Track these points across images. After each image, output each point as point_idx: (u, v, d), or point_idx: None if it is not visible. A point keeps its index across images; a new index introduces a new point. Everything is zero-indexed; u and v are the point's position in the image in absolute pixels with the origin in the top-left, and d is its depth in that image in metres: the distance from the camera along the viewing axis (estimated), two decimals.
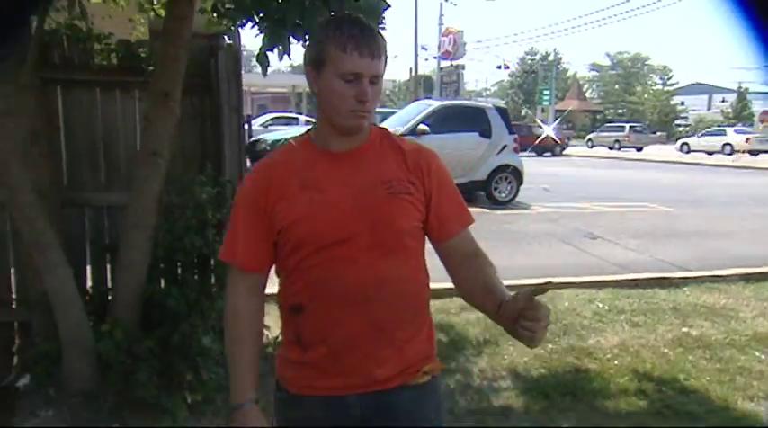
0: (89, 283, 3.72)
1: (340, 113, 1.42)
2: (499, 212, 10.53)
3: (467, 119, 11.21)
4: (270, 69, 2.96)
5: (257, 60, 2.71)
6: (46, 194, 3.28)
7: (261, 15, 2.63)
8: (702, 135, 35.83)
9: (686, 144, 35.49)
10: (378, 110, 17.03)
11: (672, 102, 58.63)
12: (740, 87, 49.65)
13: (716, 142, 33.25)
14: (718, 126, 39.45)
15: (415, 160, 1.50)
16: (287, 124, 20.44)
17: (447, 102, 13.18)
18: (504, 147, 11.23)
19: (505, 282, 1.47)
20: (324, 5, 2.49)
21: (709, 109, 59.72)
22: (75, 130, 3.70)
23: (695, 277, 6.22)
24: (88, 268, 3.75)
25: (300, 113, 27.00)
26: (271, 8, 2.56)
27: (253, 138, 14.13)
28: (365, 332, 1.45)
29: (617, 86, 64.25)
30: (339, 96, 1.41)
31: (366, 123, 1.47)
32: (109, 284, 3.68)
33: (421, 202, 1.48)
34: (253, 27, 2.75)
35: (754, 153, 30.02)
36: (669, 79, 64.02)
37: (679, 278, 6.18)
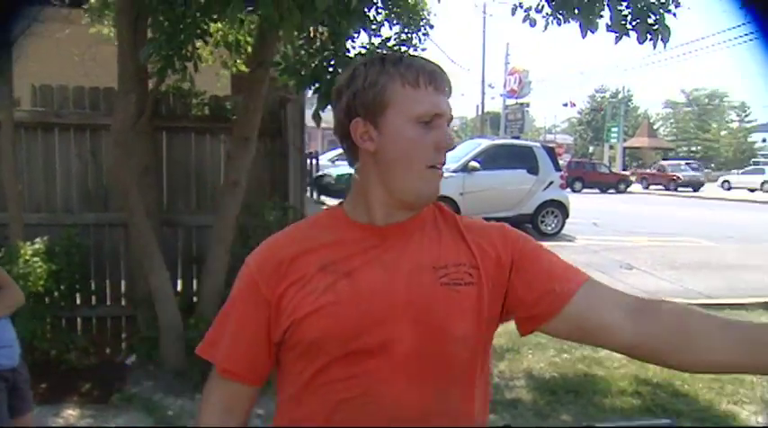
0: (179, 288, 4.67)
1: (413, 172, 1.06)
2: (544, 243, 11.03)
3: (515, 156, 11.95)
4: None
5: (312, 117, 3.59)
6: (152, 215, 4.26)
7: (316, 85, 3.53)
8: (743, 173, 35.33)
9: (727, 181, 34.91)
10: None
11: (750, 140, 57.07)
12: None
13: (756, 180, 33.05)
14: (755, 163, 38.44)
15: (478, 235, 1.13)
16: None
17: (497, 140, 13.94)
18: (551, 183, 11.89)
19: None
20: None
21: None
22: (174, 166, 4.71)
23: (718, 303, 6.68)
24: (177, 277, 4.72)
25: None
26: (323, 81, 3.46)
27: (320, 173, 15.19)
28: None
29: (692, 124, 63.02)
30: (414, 146, 1.05)
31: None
32: (194, 289, 4.64)
33: (489, 295, 1.08)
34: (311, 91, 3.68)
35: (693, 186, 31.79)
36: (747, 116, 62.34)
37: (702, 303, 6.65)
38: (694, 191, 31.96)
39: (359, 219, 1.12)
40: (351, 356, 1.03)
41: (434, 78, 1.07)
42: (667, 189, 32.68)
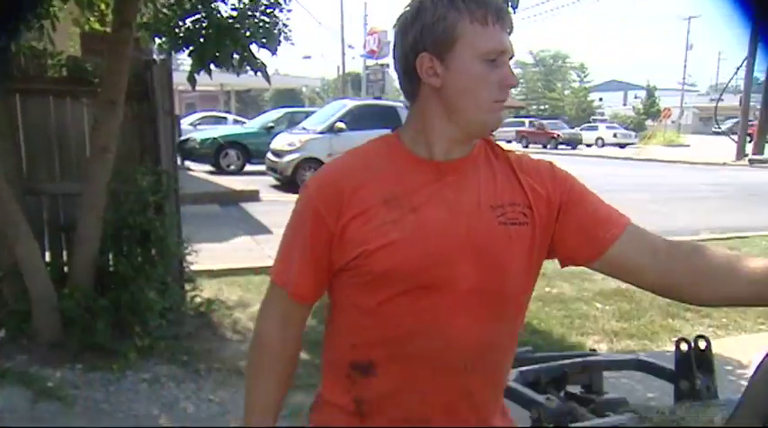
0: (47, 258, 4.49)
1: (480, 106, 1.09)
2: None
3: (380, 116, 12.23)
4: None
5: (187, 79, 3.58)
6: (13, 183, 4.04)
7: (189, 49, 3.52)
8: (581, 129, 38.48)
9: (601, 138, 37.79)
10: (301, 109, 17.72)
11: (589, 99, 61.56)
12: (648, 85, 52.85)
13: (590, 136, 36.23)
14: (590, 121, 42.14)
15: (530, 174, 1.17)
16: (216, 123, 20.92)
17: (362, 101, 14.22)
18: None
19: None
20: (233, 43, 3.39)
21: (624, 104, 62.98)
22: (32, 131, 4.46)
23: None
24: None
25: (229, 112, 27.45)
26: (195, 44, 3.45)
27: (183, 137, 14.71)
28: (454, 407, 1.15)
29: (539, 83, 66.82)
30: (481, 82, 1.08)
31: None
32: (64, 259, 4.48)
33: (541, 235, 1.16)
34: (184, 53, 3.66)
35: (622, 145, 33.85)
36: (586, 76, 67.12)
37: None
38: (573, 148, 32.53)
39: (419, 153, 1.14)
40: (418, 290, 1.08)
41: (501, 16, 1.08)
42: (545, 147, 32.55)
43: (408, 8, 1.13)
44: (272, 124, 15.16)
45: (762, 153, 22.78)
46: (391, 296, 1.09)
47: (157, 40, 3.75)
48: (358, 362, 1.14)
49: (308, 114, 15.23)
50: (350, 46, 38.65)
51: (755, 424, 0.94)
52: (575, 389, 2.37)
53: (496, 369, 1.19)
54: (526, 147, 32.91)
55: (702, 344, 2.15)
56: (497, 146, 1.20)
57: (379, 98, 24.52)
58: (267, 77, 3.71)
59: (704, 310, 5.25)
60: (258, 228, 8.50)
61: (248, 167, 14.78)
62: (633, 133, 37.47)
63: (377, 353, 1.13)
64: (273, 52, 3.66)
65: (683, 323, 5.13)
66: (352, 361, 1.15)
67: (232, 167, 14.45)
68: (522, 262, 1.14)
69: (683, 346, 2.18)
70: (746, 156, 22.60)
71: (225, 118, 22.89)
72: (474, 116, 1.10)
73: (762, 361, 0.98)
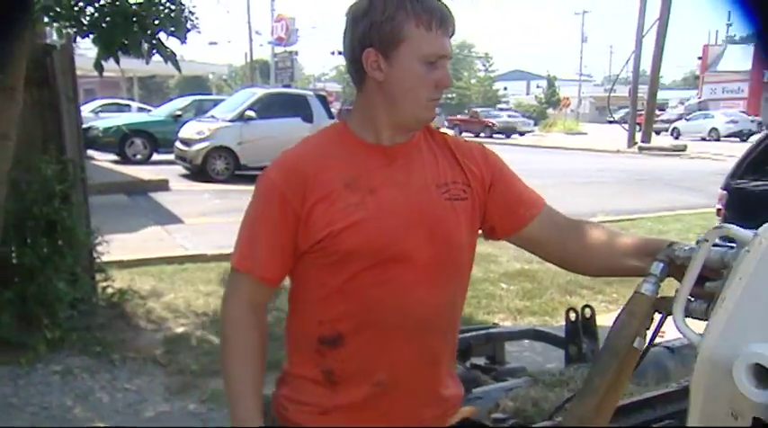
0: None
1: (417, 104, 1.20)
2: None
3: (290, 105, 12.26)
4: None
5: (94, 66, 3.52)
6: None
7: (94, 36, 3.46)
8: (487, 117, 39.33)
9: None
10: (210, 97, 17.31)
11: (494, 88, 63.27)
12: (549, 75, 55.04)
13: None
14: (499, 109, 43.09)
15: (466, 155, 1.30)
16: (119, 111, 20.13)
17: (272, 90, 14.15)
18: None
19: None
20: (141, 31, 3.37)
21: (527, 94, 65.17)
22: None
23: None
24: None
25: (132, 99, 26.43)
26: (100, 31, 3.40)
27: (84, 125, 14.09)
28: (418, 368, 1.25)
29: None
30: (420, 82, 1.18)
31: None
32: None
33: (478, 208, 1.30)
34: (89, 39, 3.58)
35: (521, 133, 33.82)
36: (491, 66, 68.91)
37: None
38: (507, 137, 31.78)
39: (367, 139, 1.24)
40: (381, 265, 1.19)
41: (445, 22, 1.18)
42: (477, 135, 30.76)
43: (360, 0, 1.22)
44: (179, 112, 14.78)
45: (649, 141, 24.32)
46: (356, 272, 1.19)
47: (56, 25, 3.65)
48: (326, 337, 1.22)
49: (216, 102, 14.95)
50: (257, 32, 38.05)
51: (612, 361, 1.15)
52: (479, 361, 2.59)
53: (453, 326, 1.32)
54: (460, 134, 31.75)
55: (588, 313, 2.41)
56: (434, 130, 1.32)
57: (288, 86, 24.36)
58: (177, 66, 3.70)
59: (598, 287, 5.65)
60: (169, 218, 8.37)
61: (155, 157, 14.37)
62: (532, 121, 38.67)
63: (344, 326, 1.21)
64: (183, 41, 3.66)
65: (580, 299, 5.49)
66: (321, 336, 1.23)
67: (138, 157, 14.01)
68: (467, 232, 1.27)
69: (572, 315, 2.43)
70: (636, 143, 24.06)
71: (128, 105, 22.06)
72: (410, 112, 1.21)
73: (618, 314, 1.18)
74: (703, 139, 29.15)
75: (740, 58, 37.84)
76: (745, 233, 1.00)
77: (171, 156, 13.16)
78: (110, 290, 4.75)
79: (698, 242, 1.06)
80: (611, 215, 9.08)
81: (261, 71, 42.38)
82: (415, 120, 1.23)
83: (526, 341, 3.97)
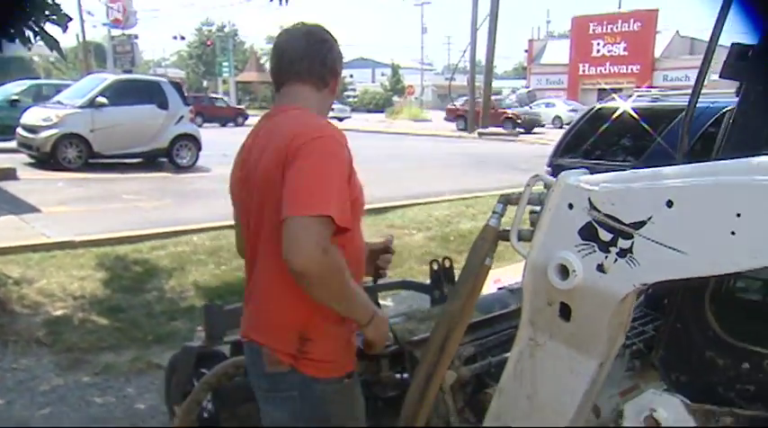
0: None
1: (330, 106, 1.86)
2: (182, 175, 11.71)
3: (143, 91, 12.04)
4: None
5: None
6: None
7: None
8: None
9: None
10: (50, 82, 16.32)
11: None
12: (393, 63, 56.82)
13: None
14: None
15: None
16: None
17: (123, 76, 13.79)
18: (182, 117, 12.33)
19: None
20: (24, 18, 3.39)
21: (373, 82, 66.68)
22: None
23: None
24: None
25: None
26: None
27: None
28: None
29: None
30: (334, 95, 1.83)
31: None
32: None
33: None
34: None
35: (340, 119, 34.06)
36: None
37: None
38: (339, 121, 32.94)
39: None
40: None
41: None
42: None
43: (325, 32, 1.80)
44: (15, 97, 13.87)
45: (487, 126, 26.29)
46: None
47: None
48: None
49: (58, 88, 14.20)
50: (89, 12, 35.67)
51: (470, 274, 1.69)
52: None
53: None
54: None
55: (447, 264, 3.02)
56: None
57: (129, 71, 23.42)
58: (61, 53, 3.81)
59: (453, 256, 6.37)
60: (23, 207, 8.04)
61: None
62: (348, 108, 39.91)
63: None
64: (64, 29, 3.77)
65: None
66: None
67: None
68: None
69: (435, 266, 3.03)
70: (476, 129, 25.91)
71: None
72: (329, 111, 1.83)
73: (474, 242, 1.72)
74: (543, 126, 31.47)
75: (558, 52, 41.73)
76: (551, 178, 1.57)
77: (10, 144, 12.40)
78: None
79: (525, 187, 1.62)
80: (456, 193, 9.99)
81: (96, 54, 39.87)
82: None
83: (397, 295, 4.60)
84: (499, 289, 3.12)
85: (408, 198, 9.40)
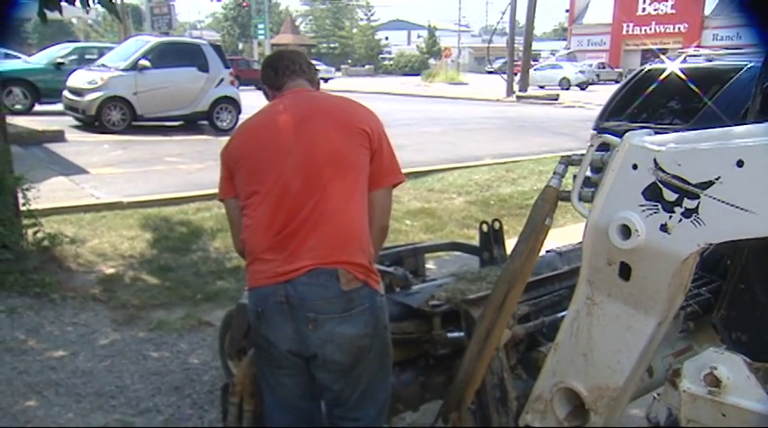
0: None
1: None
2: (222, 138, 11.73)
3: (184, 54, 12.12)
4: None
5: (38, 15, 3.63)
6: None
7: None
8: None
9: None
10: (93, 44, 16.50)
11: (376, 38, 63.49)
12: (430, 24, 55.99)
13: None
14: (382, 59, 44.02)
15: None
16: None
17: (165, 38, 13.83)
18: (222, 80, 12.43)
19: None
20: None
21: (408, 44, 65.95)
22: None
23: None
24: None
25: None
26: None
27: None
28: None
29: (328, 21, 67.23)
30: None
31: None
32: None
33: None
34: None
35: (325, 80, 34.21)
36: (372, 15, 68.88)
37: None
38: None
39: None
40: None
41: None
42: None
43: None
44: (61, 60, 14.10)
45: (526, 89, 25.83)
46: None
47: None
48: None
49: (101, 51, 14.40)
50: None
51: (532, 232, 1.71)
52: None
53: None
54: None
55: (497, 226, 3.03)
56: None
57: (166, 34, 23.51)
58: (117, 15, 3.87)
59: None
60: (73, 169, 8.27)
61: (38, 107, 13.68)
62: (333, 68, 40.17)
63: None
64: None
65: (475, 232, 6.20)
66: None
67: (18, 107, 13.19)
68: None
69: (484, 228, 3.05)
70: (514, 92, 25.49)
71: None
72: None
73: (534, 201, 1.74)
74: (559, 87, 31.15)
75: (602, 12, 40.52)
76: (615, 139, 1.57)
77: (56, 107, 12.66)
78: (40, 235, 4.89)
79: (588, 147, 1.63)
80: (496, 158, 9.93)
81: (133, 17, 40.16)
82: None
83: (438, 259, 4.64)
84: (547, 252, 3.13)
85: (447, 162, 9.37)
